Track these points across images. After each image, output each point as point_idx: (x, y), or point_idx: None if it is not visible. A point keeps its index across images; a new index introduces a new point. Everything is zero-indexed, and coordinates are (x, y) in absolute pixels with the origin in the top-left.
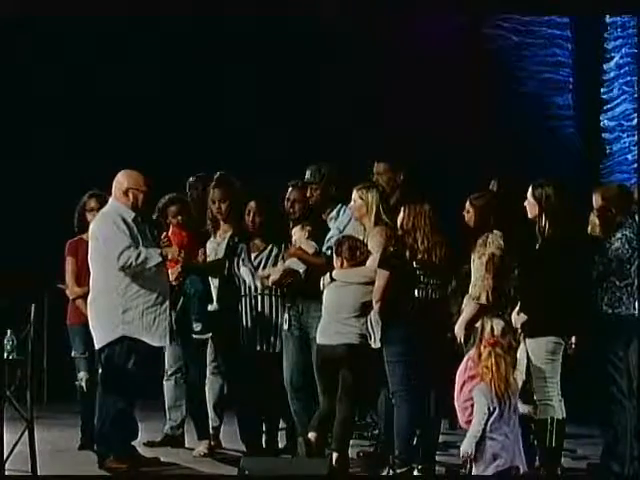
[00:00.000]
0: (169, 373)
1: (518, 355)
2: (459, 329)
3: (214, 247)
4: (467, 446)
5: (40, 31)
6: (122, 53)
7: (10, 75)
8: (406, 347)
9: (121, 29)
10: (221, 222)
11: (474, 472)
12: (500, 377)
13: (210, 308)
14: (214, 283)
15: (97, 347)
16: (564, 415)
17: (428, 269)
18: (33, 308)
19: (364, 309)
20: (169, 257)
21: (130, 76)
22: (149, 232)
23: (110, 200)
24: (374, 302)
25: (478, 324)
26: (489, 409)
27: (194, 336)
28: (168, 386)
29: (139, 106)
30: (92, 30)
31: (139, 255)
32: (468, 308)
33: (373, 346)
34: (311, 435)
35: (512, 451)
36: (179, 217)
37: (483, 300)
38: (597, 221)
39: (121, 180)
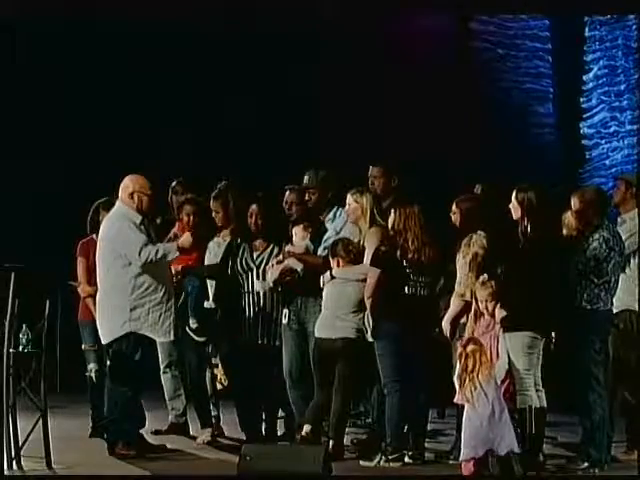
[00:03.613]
0: (164, 366)
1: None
2: (446, 324)
3: (213, 247)
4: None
5: (46, 34)
6: (124, 57)
7: (22, 81)
8: (395, 341)
9: (123, 33)
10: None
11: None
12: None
13: (206, 305)
14: (211, 282)
15: (104, 342)
16: (543, 404)
17: (417, 268)
18: (47, 304)
19: (361, 305)
20: (186, 246)
21: (135, 81)
22: (154, 234)
23: (117, 203)
24: (365, 298)
25: (463, 319)
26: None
27: (189, 332)
28: (165, 378)
29: (146, 111)
30: (95, 33)
31: (157, 251)
32: (454, 304)
33: (370, 340)
34: (306, 428)
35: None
36: (192, 217)
37: (467, 297)
38: (575, 223)
39: (127, 184)
